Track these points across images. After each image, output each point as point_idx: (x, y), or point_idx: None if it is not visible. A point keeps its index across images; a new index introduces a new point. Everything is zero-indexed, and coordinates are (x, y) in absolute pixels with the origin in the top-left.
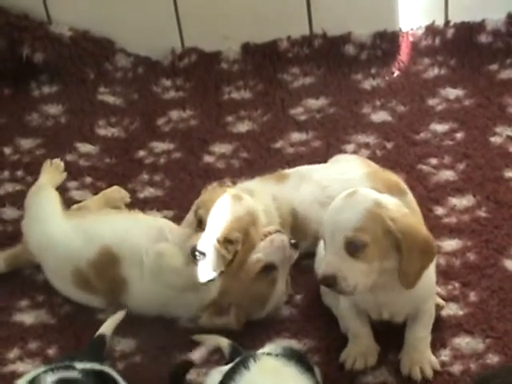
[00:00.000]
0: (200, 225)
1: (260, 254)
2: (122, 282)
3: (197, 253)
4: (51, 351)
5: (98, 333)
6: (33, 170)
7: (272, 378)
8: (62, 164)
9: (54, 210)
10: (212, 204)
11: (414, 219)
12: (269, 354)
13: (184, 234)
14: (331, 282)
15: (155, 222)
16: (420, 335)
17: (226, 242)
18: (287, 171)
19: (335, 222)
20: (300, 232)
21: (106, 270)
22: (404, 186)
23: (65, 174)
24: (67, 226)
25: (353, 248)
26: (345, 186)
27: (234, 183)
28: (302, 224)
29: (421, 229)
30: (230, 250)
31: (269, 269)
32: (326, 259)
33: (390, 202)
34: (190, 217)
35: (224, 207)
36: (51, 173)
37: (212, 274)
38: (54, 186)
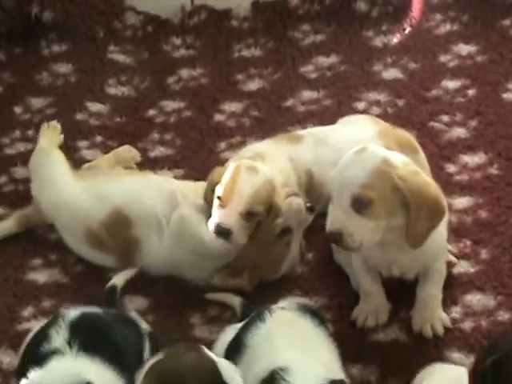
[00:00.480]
0: (219, 201)
1: (280, 219)
2: (134, 241)
3: (221, 231)
4: None
5: (109, 284)
6: None
7: (288, 329)
8: (59, 126)
9: (62, 171)
10: (228, 179)
11: (423, 178)
12: (283, 308)
13: (198, 203)
14: (337, 237)
15: (167, 184)
16: (431, 292)
17: (248, 215)
18: (300, 132)
19: (343, 178)
20: (315, 193)
21: (118, 230)
22: (415, 144)
23: (62, 136)
24: (78, 186)
25: (359, 205)
26: None
27: (245, 142)
28: (317, 185)
29: (430, 188)
30: (253, 222)
31: (285, 232)
32: (333, 215)
33: (400, 160)
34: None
35: (242, 181)
36: (49, 135)
37: (235, 246)
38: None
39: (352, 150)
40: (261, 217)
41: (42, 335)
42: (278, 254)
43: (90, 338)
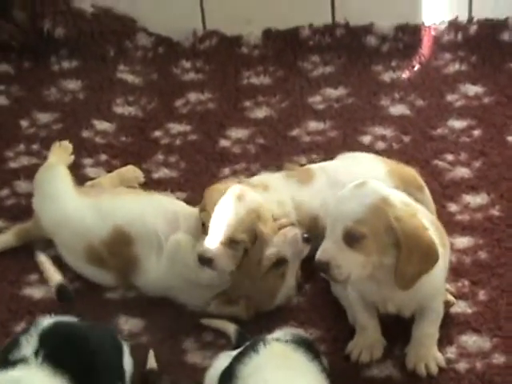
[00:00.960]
0: (204, 229)
1: (273, 249)
2: (134, 260)
3: (204, 259)
4: None
5: (57, 283)
6: (48, 145)
7: (281, 363)
8: (71, 146)
9: (66, 188)
10: (213, 206)
11: (420, 221)
12: (278, 339)
13: (197, 227)
14: (324, 267)
15: (171, 205)
16: (427, 331)
17: (232, 242)
18: (312, 169)
19: (339, 210)
20: (318, 233)
21: (119, 248)
22: (421, 182)
23: (72, 157)
24: (81, 203)
25: (351, 238)
26: None
27: (249, 169)
28: (320, 228)
29: (425, 232)
30: (239, 249)
31: (280, 263)
32: (323, 246)
33: (400, 200)
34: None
35: (225, 208)
36: (59, 154)
37: (222, 275)
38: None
39: (352, 184)
40: (246, 245)
41: (14, 342)
42: (272, 284)
43: (59, 349)
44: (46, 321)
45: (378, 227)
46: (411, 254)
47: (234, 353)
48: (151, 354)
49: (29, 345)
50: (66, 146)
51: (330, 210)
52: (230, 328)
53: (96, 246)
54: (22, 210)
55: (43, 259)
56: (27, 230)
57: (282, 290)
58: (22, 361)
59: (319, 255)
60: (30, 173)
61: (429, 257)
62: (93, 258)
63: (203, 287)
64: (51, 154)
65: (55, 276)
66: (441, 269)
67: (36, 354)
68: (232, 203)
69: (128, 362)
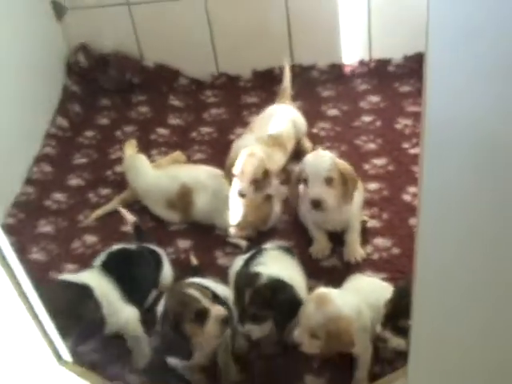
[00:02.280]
0: (235, 177)
1: (275, 182)
2: (192, 201)
3: (240, 193)
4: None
5: (131, 222)
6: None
7: (275, 260)
8: (135, 141)
9: (145, 166)
10: (239, 163)
11: (349, 166)
12: (271, 247)
13: (219, 180)
14: (318, 204)
15: (212, 170)
16: (353, 238)
17: (254, 181)
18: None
19: (317, 166)
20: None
21: (184, 196)
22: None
23: (137, 149)
24: (157, 173)
25: (328, 181)
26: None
27: None
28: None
29: (352, 171)
30: (258, 186)
31: (270, 197)
32: (314, 190)
33: (335, 156)
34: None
35: (246, 163)
36: (130, 148)
37: (246, 202)
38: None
39: (314, 153)
40: (261, 180)
41: (100, 256)
42: (266, 212)
43: (113, 263)
44: (115, 246)
45: (336, 171)
46: (348, 181)
47: (246, 256)
48: (192, 256)
49: (99, 259)
50: (133, 142)
51: (309, 168)
52: (242, 243)
53: (171, 197)
54: (118, 184)
55: (123, 211)
56: (125, 198)
57: (272, 215)
58: (92, 268)
59: (314, 196)
60: (121, 161)
61: (355, 181)
62: (169, 205)
63: (228, 210)
64: (126, 148)
65: (131, 218)
66: (357, 201)
67: (101, 265)
68: (249, 159)
69: (167, 271)
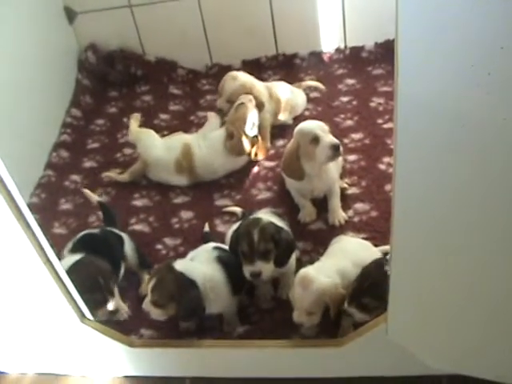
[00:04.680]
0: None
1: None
2: (193, 156)
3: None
4: None
5: (95, 201)
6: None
7: (269, 218)
8: (139, 115)
9: (156, 138)
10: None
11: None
12: (265, 212)
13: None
14: (338, 146)
15: (202, 131)
16: (335, 203)
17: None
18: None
19: (319, 124)
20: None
21: (187, 154)
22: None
23: (139, 121)
24: (163, 141)
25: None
26: None
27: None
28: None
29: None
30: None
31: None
32: (330, 139)
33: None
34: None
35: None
36: (134, 122)
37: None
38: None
39: (304, 122)
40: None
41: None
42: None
43: (84, 243)
44: (78, 235)
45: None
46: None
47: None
48: (206, 224)
49: (71, 242)
50: (136, 116)
51: (317, 129)
52: (238, 210)
53: (179, 159)
54: (127, 163)
55: (88, 191)
56: (136, 169)
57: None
58: (70, 251)
59: (335, 142)
60: (129, 144)
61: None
62: (177, 168)
63: (225, 160)
64: (131, 121)
65: (95, 198)
66: (336, 168)
67: (70, 250)
68: (230, 80)
69: (128, 247)
